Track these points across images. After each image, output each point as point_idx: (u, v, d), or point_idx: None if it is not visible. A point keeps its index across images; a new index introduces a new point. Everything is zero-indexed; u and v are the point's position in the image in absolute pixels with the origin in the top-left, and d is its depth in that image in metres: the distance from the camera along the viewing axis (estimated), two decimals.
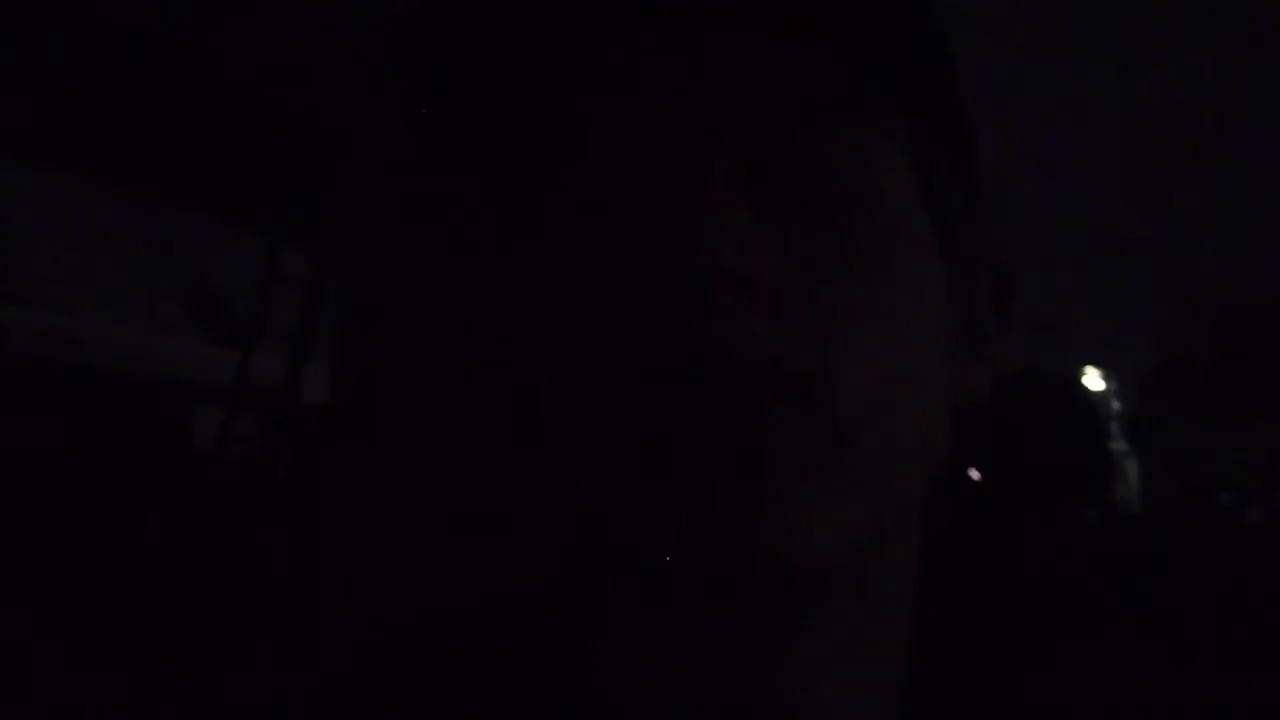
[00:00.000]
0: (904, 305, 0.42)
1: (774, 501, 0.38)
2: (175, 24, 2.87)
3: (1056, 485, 2.05)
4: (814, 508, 0.39)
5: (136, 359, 5.65)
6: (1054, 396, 2.13)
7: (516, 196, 0.45)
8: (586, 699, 0.45)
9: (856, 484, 0.40)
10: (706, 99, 0.41)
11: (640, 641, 0.44)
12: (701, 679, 0.43)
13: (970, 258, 0.47)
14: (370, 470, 3.24)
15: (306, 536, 3.68)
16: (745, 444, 0.38)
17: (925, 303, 0.43)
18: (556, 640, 0.47)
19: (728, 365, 0.39)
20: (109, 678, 3.24)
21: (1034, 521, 2.06)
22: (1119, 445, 11.37)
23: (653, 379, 0.39)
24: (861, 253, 0.41)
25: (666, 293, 0.39)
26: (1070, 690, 0.59)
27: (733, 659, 0.42)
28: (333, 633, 2.78)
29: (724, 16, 0.41)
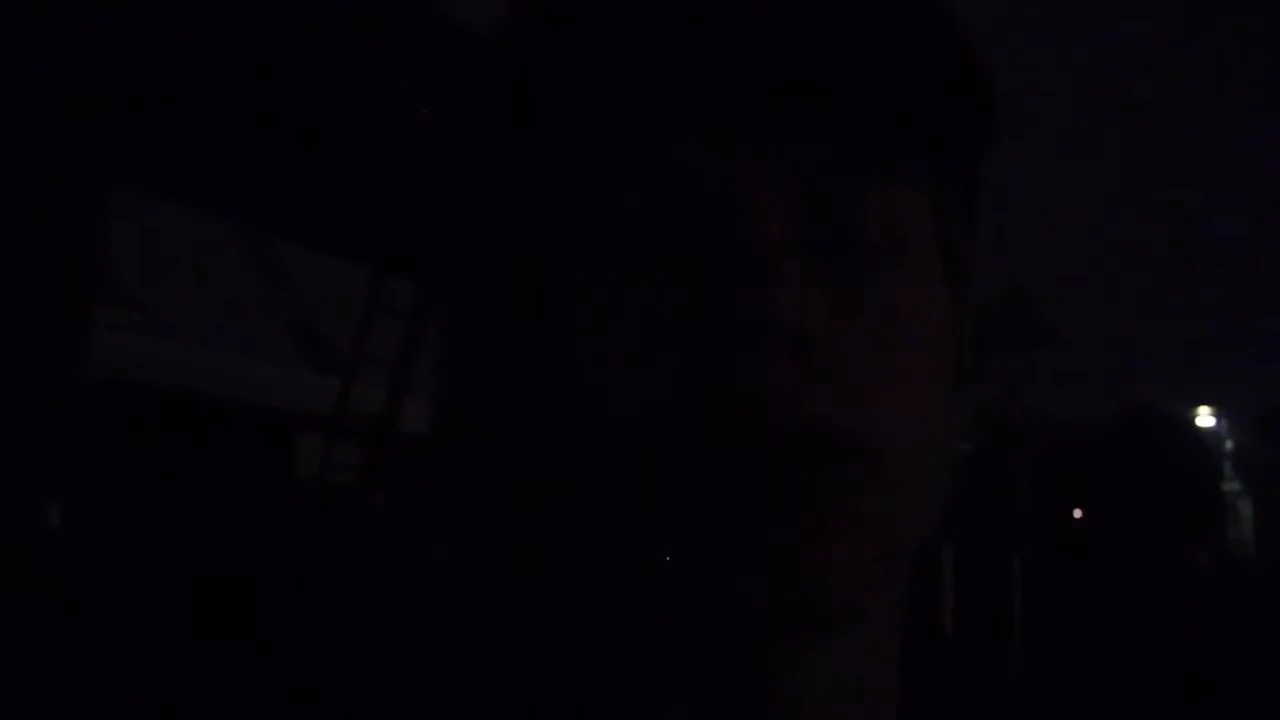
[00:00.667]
0: (929, 355, 0.43)
1: (813, 549, 0.39)
2: (282, 59, 2.96)
3: (1166, 526, 1.98)
4: (849, 555, 0.40)
5: (244, 387, 5.82)
6: (1164, 436, 2.06)
7: (564, 236, 0.45)
8: None
9: (887, 530, 0.41)
10: (763, 148, 0.41)
11: (643, 676, 0.45)
12: (702, 710, 0.44)
13: (964, 297, 0.48)
14: (466, 497, 3.28)
15: (402, 559, 3.73)
16: (798, 503, 0.39)
17: (942, 349, 0.45)
18: (566, 673, 0.48)
19: (789, 424, 0.39)
20: (215, 684, 3.32)
21: (1138, 564, 1.99)
22: (1232, 486, 10.92)
23: (712, 436, 0.40)
24: (893, 304, 0.42)
25: (729, 350, 0.39)
26: None
27: (734, 693, 0.43)
28: (429, 644, 2.81)
29: (781, 76, 0.41)
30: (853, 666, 0.44)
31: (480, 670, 0.51)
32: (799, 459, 0.40)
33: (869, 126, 0.42)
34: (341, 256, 5.18)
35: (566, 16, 0.43)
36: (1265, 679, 1.77)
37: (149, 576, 4.08)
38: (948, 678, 0.51)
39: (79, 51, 2.24)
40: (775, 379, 0.39)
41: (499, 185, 0.48)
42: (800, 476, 0.40)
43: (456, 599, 2.79)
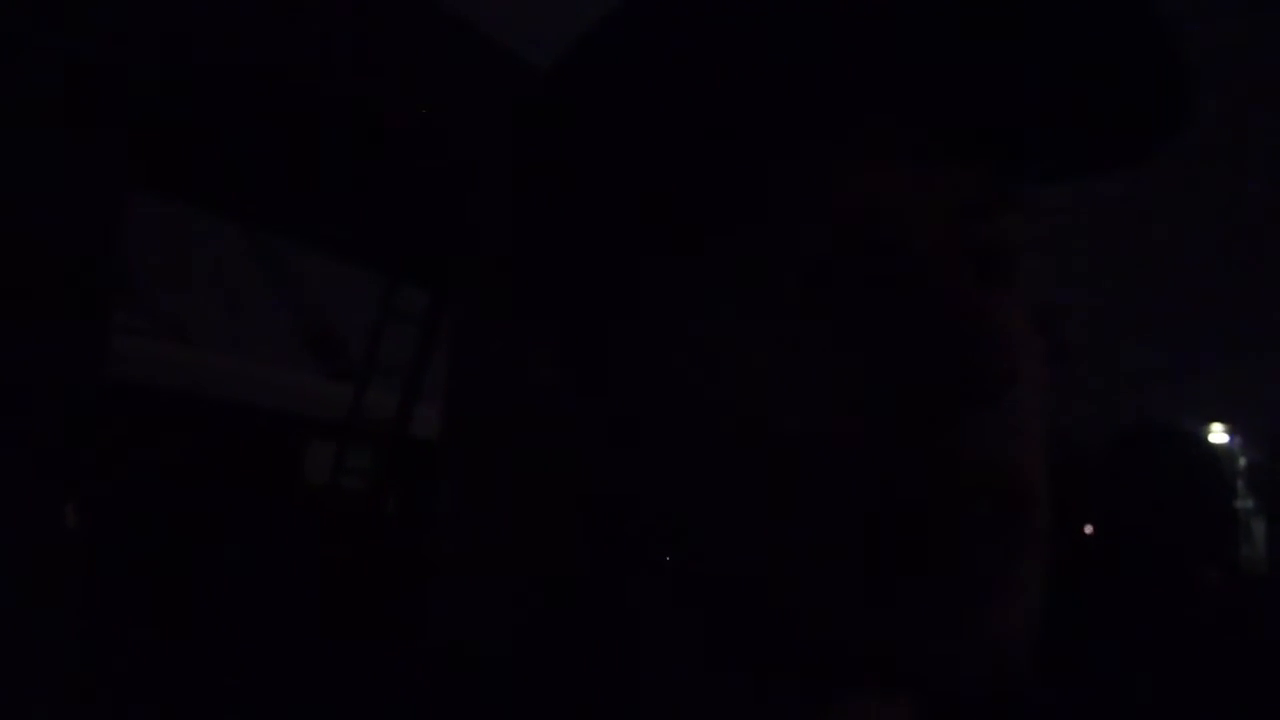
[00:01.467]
0: (1042, 382, 0.42)
1: (1012, 609, 0.37)
2: (296, 66, 2.98)
3: (1177, 543, 1.98)
4: (1034, 605, 0.38)
5: (256, 392, 5.84)
6: (1175, 452, 2.06)
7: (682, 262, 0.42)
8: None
9: (1038, 593, 0.39)
10: (927, 183, 0.40)
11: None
12: None
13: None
14: (475, 500, 3.29)
15: (412, 561, 3.74)
16: (1002, 565, 0.37)
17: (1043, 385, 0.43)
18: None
19: (984, 478, 0.37)
20: (226, 682, 3.33)
21: (1148, 580, 1.98)
22: (1245, 503, 10.86)
23: (894, 484, 0.37)
24: (1028, 333, 0.41)
25: (975, 395, 0.37)
26: None
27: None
28: (437, 639, 2.82)
29: (933, 117, 0.40)
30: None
31: (485, 661, 0.51)
32: (983, 515, 0.37)
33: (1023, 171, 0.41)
34: (355, 263, 5.21)
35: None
36: (1275, 695, 1.76)
37: (162, 576, 4.10)
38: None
39: (91, 55, 2.27)
40: (975, 429, 0.37)
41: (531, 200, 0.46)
42: (979, 535, 0.37)
43: (464, 597, 2.80)
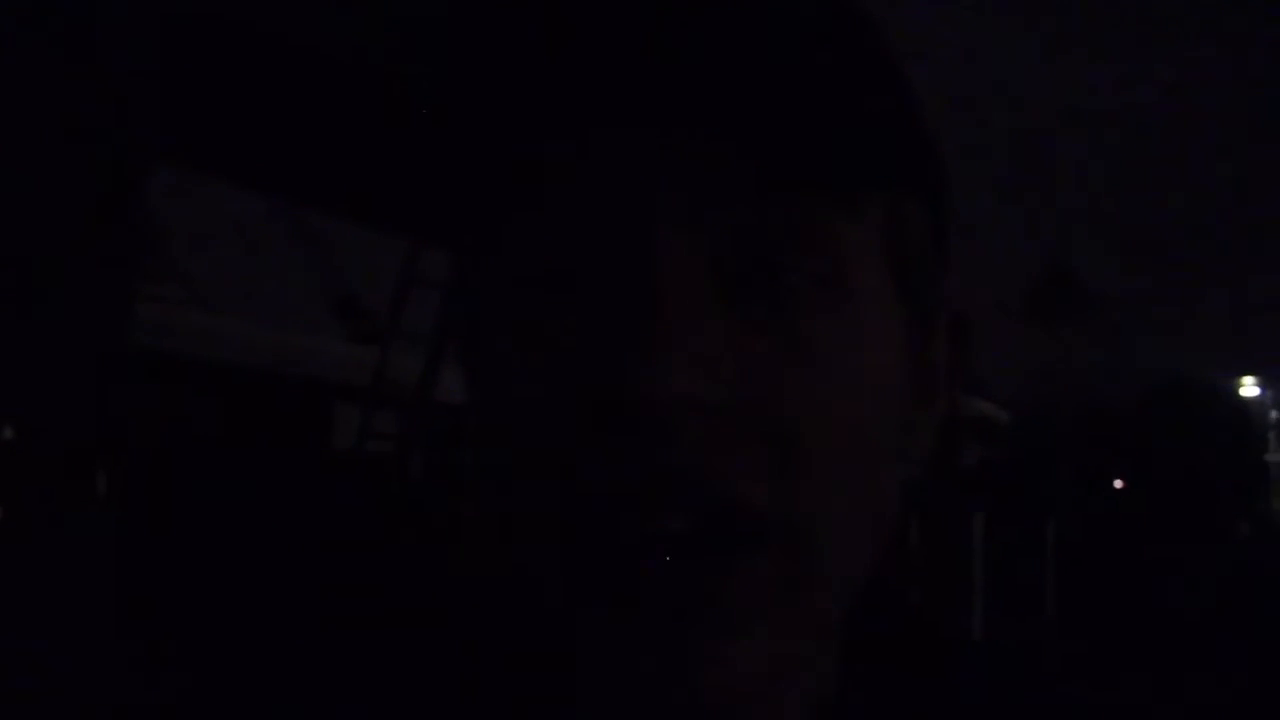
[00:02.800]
0: (870, 402, 0.40)
1: (719, 646, 0.37)
2: (319, 33, 2.97)
3: (1206, 497, 1.97)
4: (759, 649, 0.37)
5: (283, 358, 5.88)
6: (1205, 406, 2.04)
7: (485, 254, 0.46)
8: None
9: (808, 617, 0.39)
10: (670, 179, 0.39)
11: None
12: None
13: (929, 312, 0.45)
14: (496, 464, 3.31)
15: (437, 523, 3.78)
16: (702, 586, 0.37)
17: (889, 388, 0.42)
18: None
19: (693, 499, 0.37)
20: (253, 646, 3.38)
21: (1177, 534, 1.97)
22: (1276, 457, 10.80)
23: (612, 504, 0.37)
24: (828, 348, 0.39)
25: (626, 416, 0.36)
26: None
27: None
28: (463, 600, 2.85)
29: (691, 102, 0.38)
30: (783, 651, 0.41)
31: (504, 607, 0.51)
32: (710, 534, 0.37)
33: (787, 154, 0.39)
34: (380, 228, 5.21)
35: (503, 62, 0.43)
36: None
37: (191, 541, 4.16)
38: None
39: (120, 25, 2.26)
40: (676, 443, 0.36)
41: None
42: (714, 558, 0.37)
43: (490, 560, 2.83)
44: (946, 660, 0.50)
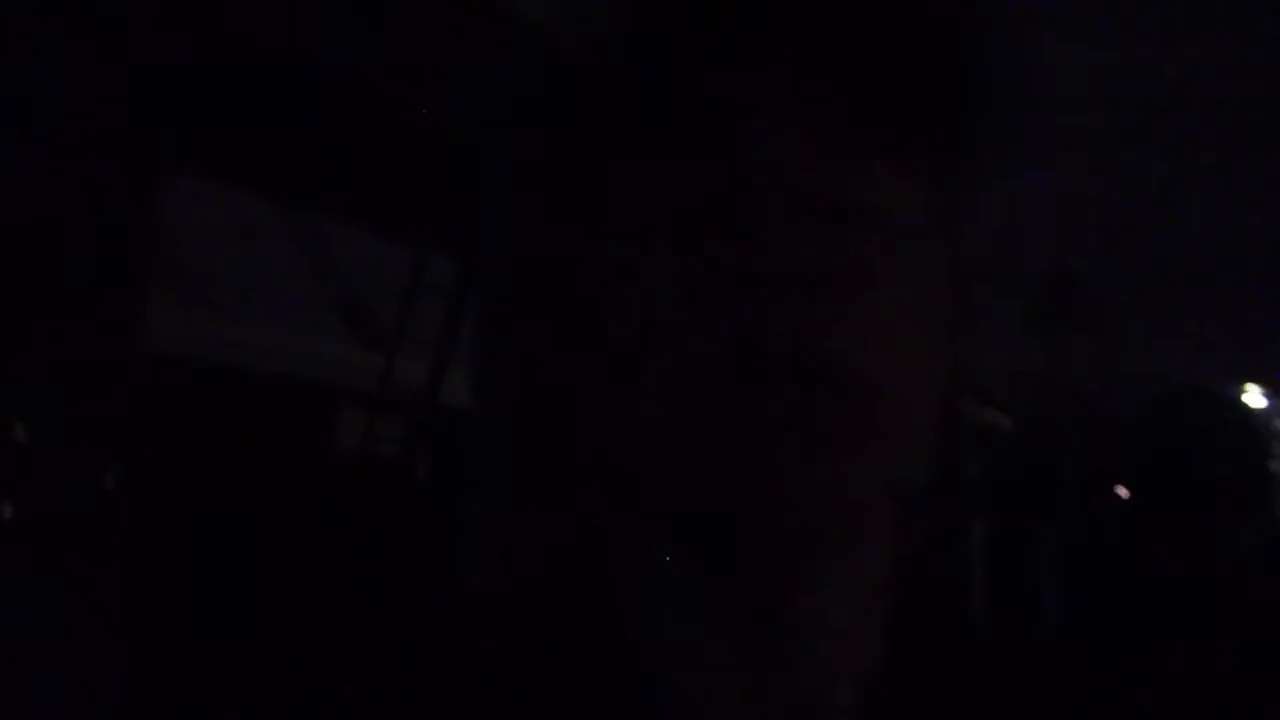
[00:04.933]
0: (918, 305, 0.47)
1: (812, 469, 0.44)
2: (326, 38, 2.99)
3: (1210, 505, 1.97)
4: (846, 476, 0.44)
5: (290, 362, 5.89)
6: (1209, 414, 2.05)
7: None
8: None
9: (879, 457, 0.45)
10: (773, 132, 0.45)
11: (665, 598, 0.48)
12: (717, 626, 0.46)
13: (958, 256, 0.52)
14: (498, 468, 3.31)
15: (442, 527, 3.78)
16: (799, 427, 0.43)
17: (932, 301, 0.49)
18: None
19: (789, 358, 0.43)
20: (257, 644, 3.40)
21: (1180, 542, 1.98)
22: None
23: (715, 370, 0.43)
24: (888, 260, 0.46)
25: (728, 296, 0.43)
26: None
27: (746, 612, 0.46)
28: (468, 602, 2.85)
29: (783, 76, 0.45)
30: (850, 591, 0.48)
31: (514, 601, 0.53)
32: (800, 388, 0.43)
33: (862, 117, 0.45)
34: (386, 234, 5.23)
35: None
36: None
37: (196, 543, 4.17)
38: (975, 653, 0.54)
39: (127, 34, 2.28)
40: (771, 319, 0.43)
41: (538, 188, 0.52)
42: (801, 404, 0.43)
43: (494, 562, 2.83)
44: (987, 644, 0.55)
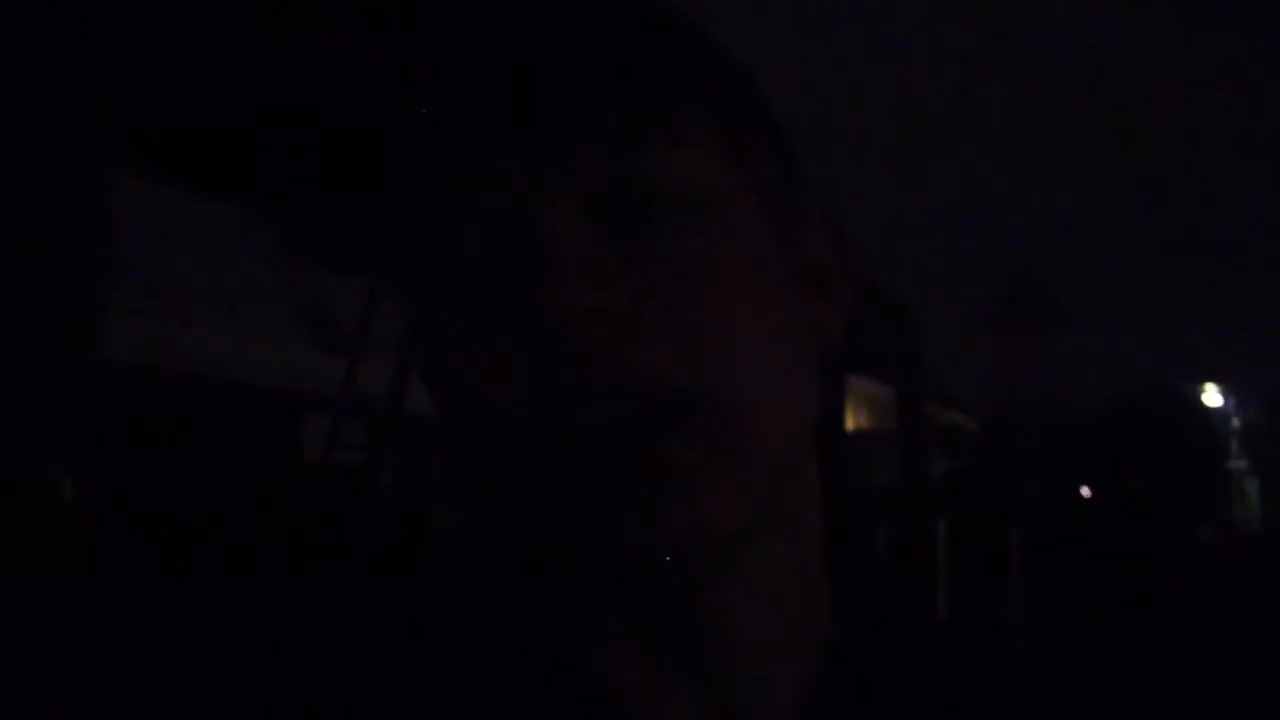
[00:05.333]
0: (746, 294, 0.47)
1: (683, 501, 0.43)
2: (288, 45, 2.97)
3: (1170, 504, 1.99)
4: (719, 497, 0.44)
5: (251, 369, 5.84)
6: (1169, 413, 2.07)
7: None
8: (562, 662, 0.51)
9: (750, 464, 0.45)
10: (534, 152, 0.46)
11: (595, 612, 0.50)
12: (647, 634, 0.48)
13: (796, 216, 0.52)
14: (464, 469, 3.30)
15: (407, 535, 3.76)
16: (650, 458, 0.43)
17: (764, 280, 0.49)
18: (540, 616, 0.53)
19: (615, 391, 0.43)
20: (222, 657, 3.36)
21: (1140, 541, 2.00)
22: (1239, 463, 10.92)
23: (556, 415, 0.44)
24: (703, 254, 0.46)
25: (539, 338, 0.43)
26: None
27: (668, 619, 0.48)
28: (433, 610, 2.84)
29: (529, 80, 0.46)
30: (764, 577, 0.49)
31: (471, 613, 0.54)
32: (640, 421, 0.43)
33: (633, 109, 0.47)
34: (344, 235, 5.19)
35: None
36: (1268, 652, 1.78)
37: (158, 551, 4.12)
38: (941, 654, 0.54)
39: (89, 38, 2.25)
40: (585, 349, 0.43)
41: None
42: (645, 436, 0.43)
43: (456, 558, 2.82)
44: (938, 641, 0.55)
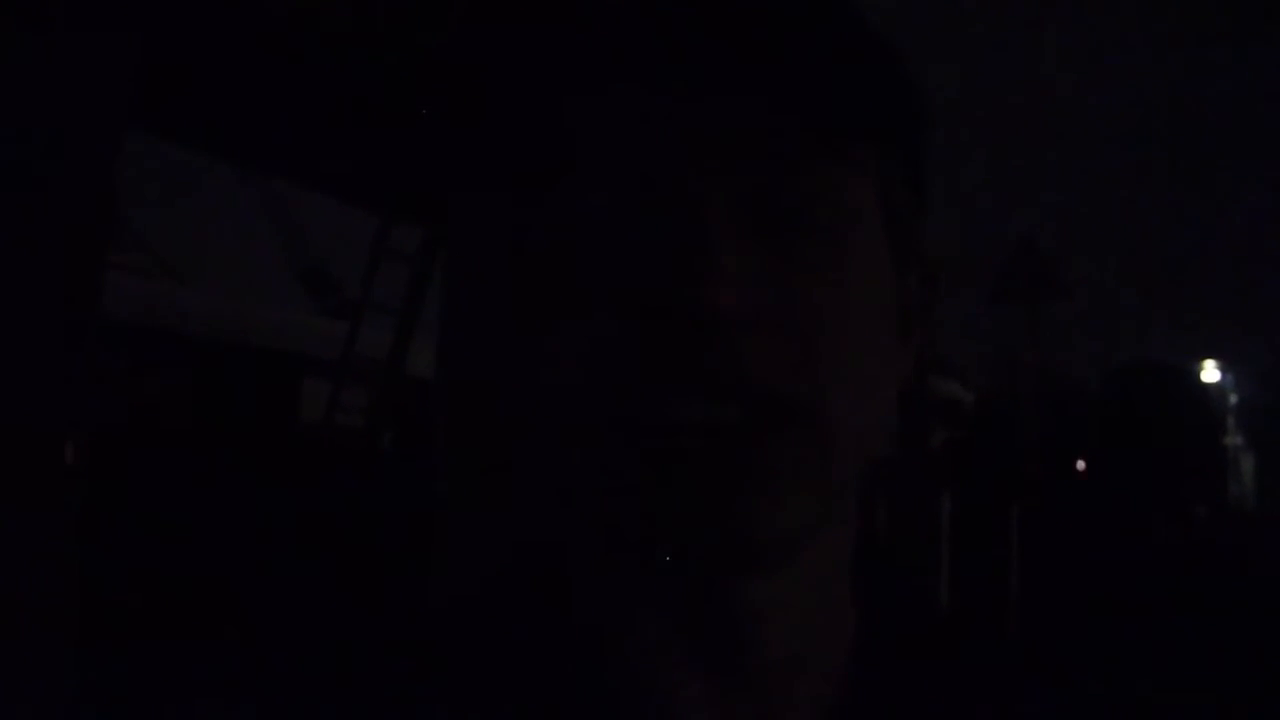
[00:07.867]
0: (872, 319, 0.48)
1: (765, 503, 0.44)
2: (289, 4, 2.94)
3: (1165, 480, 2.00)
4: (798, 504, 0.45)
5: (249, 331, 5.83)
6: (1167, 389, 2.07)
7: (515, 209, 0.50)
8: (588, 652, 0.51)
9: (830, 478, 0.46)
10: (703, 136, 0.45)
11: (621, 607, 0.50)
12: (675, 635, 0.49)
13: (908, 258, 0.53)
14: (471, 442, 3.30)
15: (407, 500, 3.77)
16: (743, 459, 0.44)
17: (884, 310, 0.50)
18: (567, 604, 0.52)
19: (732, 396, 0.44)
20: (220, 624, 3.38)
21: (1136, 516, 2.01)
22: (1235, 439, 10.92)
23: (659, 411, 0.44)
24: (842, 271, 0.47)
25: (674, 332, 0.43)
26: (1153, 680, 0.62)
27: (701, 619, 0.48)
28: (438, 583, 2.86)
29: (717, 74, 0.46)
30: (800, 592, 0.50)
31: (480, 606, 0.53)
32: (750, 425, 0.44)
33: (809, 127, 0.46)
34: (350, 201, 5.17)
35: (527, 31, 0.49)
36: (1262, 626, 1.79)
37: (158, 514, 4.13)
38: (944, 636, 0.54)
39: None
40: (719, 351, 0.43)
41: (492, 175, 0.53)
42: (750, 440, 0.44)
43: (461, 538, 2.83)
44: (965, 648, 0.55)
